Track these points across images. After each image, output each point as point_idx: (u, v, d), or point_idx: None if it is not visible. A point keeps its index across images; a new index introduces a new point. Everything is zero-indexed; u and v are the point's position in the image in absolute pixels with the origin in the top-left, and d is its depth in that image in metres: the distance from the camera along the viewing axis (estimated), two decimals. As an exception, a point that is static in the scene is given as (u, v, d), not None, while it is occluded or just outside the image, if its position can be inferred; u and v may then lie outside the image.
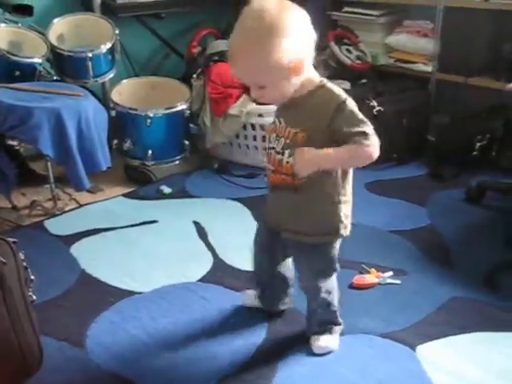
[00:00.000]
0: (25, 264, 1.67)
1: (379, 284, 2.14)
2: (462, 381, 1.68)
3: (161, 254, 2.39)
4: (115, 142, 3.14)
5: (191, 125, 3.26)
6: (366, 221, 2.61)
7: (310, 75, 1.57)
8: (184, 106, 3.15)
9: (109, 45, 3.08)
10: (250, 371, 1.72)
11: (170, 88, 3.33)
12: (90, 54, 3.01)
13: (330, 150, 1.53)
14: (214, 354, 1.79)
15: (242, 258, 2.29)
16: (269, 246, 1.80)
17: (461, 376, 1.69)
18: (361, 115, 1.55)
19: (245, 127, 3.17)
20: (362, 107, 3.02)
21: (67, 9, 3.26)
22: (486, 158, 3.08)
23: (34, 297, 1.69)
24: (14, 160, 2.79)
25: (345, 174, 1.63)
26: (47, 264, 2.28)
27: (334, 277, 1.77)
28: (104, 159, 2.73)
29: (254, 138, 3.18)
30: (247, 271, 2.21)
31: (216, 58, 3.25)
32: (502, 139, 3.06)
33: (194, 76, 3.29)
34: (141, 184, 3.08)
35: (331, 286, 1.76)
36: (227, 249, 2.41)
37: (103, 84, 3.37)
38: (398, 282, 2.15)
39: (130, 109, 3.09)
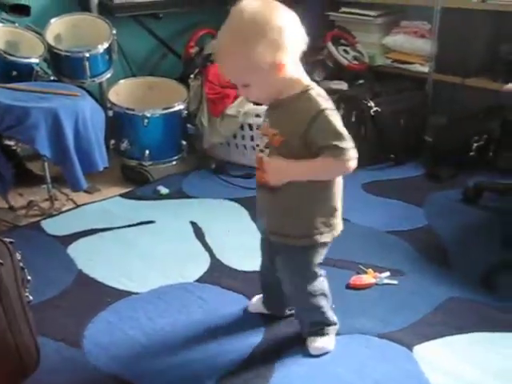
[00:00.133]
0: (21, 264, 1.67)
1: (376, 284, 2.14)
2: (459, 381, 1.68)
3: (158, 254, 2.39)
4: (112, 142, 3.14)
5: (188, 125, 3.26)
6: (363, 221, 2.62)
7: (299, 77, 1.55)
8: (181, 107, 3.15)
9: (106, 45, 3.08)
10: (247, 371, 1.72)
11: (168, 88, 3.33)
12: (87, 54, 3.01)
13: (301, 163, 1.52)
14: (212, 354, 1.79)
15: (240, 259, 2.30)
16: (267, 248, 1.80)
17: (458, 376, 1.69)
18: (339, 128, 1.52)
19: (242, 127, 3.17)
20: (359, 108, 3.02)
21: (64, 9, 3.25)
22: (483, 158, 3.08)
23: (31, 297, 1.69)
24: (11, 160, 2.78)
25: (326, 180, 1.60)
26: (44, 264, 2.28)
27: (320, 280, 1.74)
28: (101, 159, 2.73)
29: (252, 139, 3.18)
30: (244, 271, 2.21)
31: (213, 58, 3.25)
32: (499, 140, 3.06)
33: (192, 76, 3.28)
34: (138, 184, 3.07)
35: (315, 289, 1.73)
36: (224, 249, 2.41)
37: (100, 84, 3.37)
38: (395, 282, 2.15)
39: (128, 109, 3.08)
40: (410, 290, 2.11)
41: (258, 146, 1.65)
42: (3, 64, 2.82)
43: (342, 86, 3.55)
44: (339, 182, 1.65)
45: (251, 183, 3.01)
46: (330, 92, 3.87)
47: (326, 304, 1.77)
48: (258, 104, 2.86)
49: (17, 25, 3.04)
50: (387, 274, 2.18)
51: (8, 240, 1.66)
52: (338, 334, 1.85)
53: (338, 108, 3.57)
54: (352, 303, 2.03)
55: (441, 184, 3.01)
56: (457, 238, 2.49)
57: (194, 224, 2.64)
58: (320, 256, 1.70)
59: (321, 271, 1.73)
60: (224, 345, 1.83)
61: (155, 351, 1.81)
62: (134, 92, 3.32)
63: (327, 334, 1.80)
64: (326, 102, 1.53)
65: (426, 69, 3.51)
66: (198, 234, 2.56)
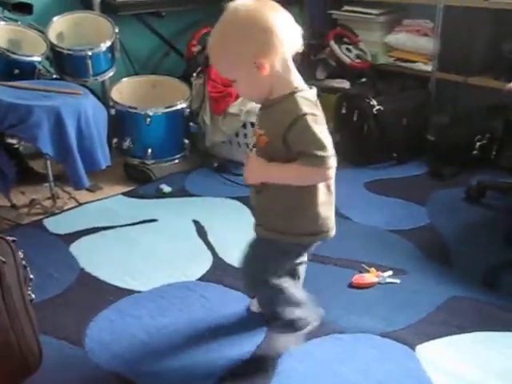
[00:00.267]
0: (24, 263, 1.67)
1: (379, 283, 2.14)
2: (461, 380, 1.68)
3: (160, 252, 2.39)
4: (115, 140, 3.14)
5: (191, 123, 3.25)
6: (366, 220, 2.62)
7: (289, 78, 1.52)
8: (184, 105, 3.15)
9: (108, 43, 3.08)
10: (250, 370, 1.72)
11: (170, 87, 3.33)
12: (90, 53, 3.00)
13: (279, 166, 1.52)
14: (214, 353, 1.78)
15: (242, 257, 2.30)
16: None
17: (460, 376, 1.69)
18: (319, 135, 1.47)
19: (244, 126, 3.16)
20: (361, 106, 3.02)
21: (67, 7, 3.25)
22: (485, 157, 3.07)
23: (33, 296, 1.69)
24: (14, 158, 2.78)
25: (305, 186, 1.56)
26: (46, 263, 2.28)
27: (288, 284, 1.70)
28: (103, 158, 2.73)
29: (254, 137, 3.17)
30: (247, 270, 2.21)
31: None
32: (501, 139, 3.06)
33: (194, 75, 3.28)
34: (140, 183, 3.07)
35: (280, 288, 1.68)
36: (227, 248, 2.41)
37: (103, 82, 3.36)
38: (397, 281, 2.15)
39: (130, 107, 3.08)
40: (412, 288, 2.11)
41: (249, 144, 1.64)
42: (6, 62, 2.81)
43: (345, 84, 3.55)
44: (322, 190, 1.58)
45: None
46: (333, 90, 3.87)
47: (289, 311, 1.71)
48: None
49: (19, 23, 3.04)
50: (390, 272, 2.18)
51: (10, 238, 1.67)
52: (340, 332, 1.86)
53: (340, 107, 3.59)
54: (354, 302, 2.03)
55: (443, 183, 3.01)
56: (459, 237, 2.48)
57: (196, 222, 2.64)
58: (288, 259, 1.68)
59: (285, 279, 1.69)
60: (226, 344, 1.83)
61: (157, 350, 1.81)
62: (137, 90, 3.32)
63: (290, 334, 1.75)
64: (309, 107, 1.49)
65: (428, 67, 3.50)
66: (201, 232, 2.56)
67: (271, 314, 1.76)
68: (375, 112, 3.12)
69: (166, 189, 2.98)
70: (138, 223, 2.64)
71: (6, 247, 1.61)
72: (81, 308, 2.02)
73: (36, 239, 2.48)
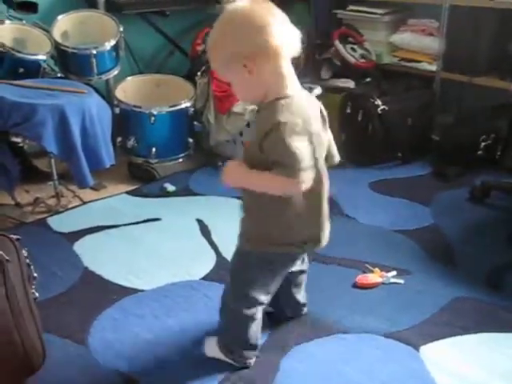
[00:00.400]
0: (28, 261, 1.67)
1: (383, 283, 2.14)
2: (464, 381, 1.67)
3: (164, 251, 2.39)
4: (119, 139, 3.14)
5: (195, 122, 3.25)
6: (370, 220, 2.62)
7: (282, 84, 1.47)
8: (188, 104, 3.15)
9: (113, 42, 3.08)
10: (252, 369, 1.72)
11: (175, 85, 3.33)
12: (95, 51, 3.01)
13: (254, 173, 1.49)
14: (217, 353, 1.79)
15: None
16: None
17: (464, 376, 1.69)
18: (293, 146, 1.41)
19: (248, 125, 3.16)
20: (366, 106, 3.01)
21: (71, 6, 3.25)
22: (490, 157, 3.07)
23: (37, 294, 1.69)
24: (18, 157, 2.79)
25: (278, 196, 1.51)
26: (50, 261, 2.28)
27: (254, 311, 1.67)
28: (108, 156, 2.73)
29: (258, 136, 3.17)
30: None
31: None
32: (506, 139, 3.05)
33: (199, 74, 3.28)
34: (144, 182, 3.08)
35: (234, 308, 1.67)
36: (230, 247, 2.39)
37: (107, 81, 3.37)
38: (401, 281, 2.15)
39: (134, 106, 3.08)
40: (416, 289, 2.11)
41: None
42: (10, 61, 2.82)
43: (349, 84, 3.54)
44: (299, 201, 1.53)
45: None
46: (337, 90, 3.86)
47: (239, 339, 1.71)
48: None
49: (24, 22, 3.04)
50: (394, 273, 2.18)
51: (15, 237, 1.67)
52: (344, 332, 1.86)
53: (345, 106, 3.58)
54: (358, 302, 2.03)
55: (448, 183, 3.00)
56: (463, 237, 2.48)
57: (200, 222, 2.64)
58: (258, 272, 1.64)
59: (260, 297, 1.65)
60: (229, 343, 1.83)
61: (160, 349, 1.81)
62: (141, 89, 3.32)
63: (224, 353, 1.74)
64: (289, 116, 1.43)
65: (433, 67, 3.49)
66: (204, 231, 2.56)
67: (223, 327, 1.76)
68: (380, 112, 3.12)
69: (170, 188, 2.98)
70: (141, 222, 2.64)
71: (10, 245, 1.62)
72: (84, 307, 2.02)
73: (40, 238, 2.48)
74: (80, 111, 2.58)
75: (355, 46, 3.66)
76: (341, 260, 2.28)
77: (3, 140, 2.64)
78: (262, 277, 1.65)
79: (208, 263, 2.30)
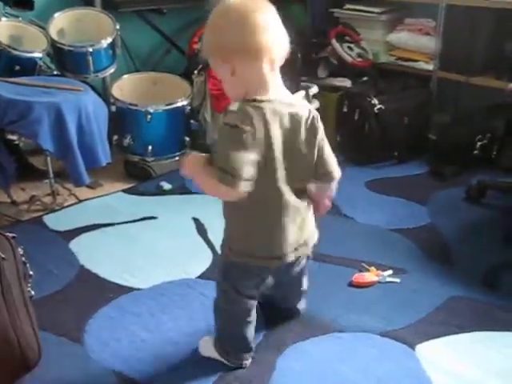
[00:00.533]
0: (24, 259, 1.67)
1: (379, 282, 2.14)
2: (460, 380, 1.67)
3: (160, 250, 2.39)
4: (115, 137, 3.13)
5: (192, 121, 3.25)
6: (366, 219, 2.62)
7: (260, 85, 1.46)
8: (185, 102, 3.14)
9: (109, 40, 3.07)
10: (248, 368, 1.72)
11: (171, 84, 3.32)
12: (91, 49, 3.00)
13: (203, 169, 1.47)
14: (213, 351, 1.78)
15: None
16: None
17: (459, 375, 1.69)
18: (231, 151, 1.39)
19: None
20: (362, 105, 3.01)
21: (68, 3, 3.25)
22: (486, 157, 3.07)
23: (33, 292, 1.69)
24: (14, 154, 2.78)
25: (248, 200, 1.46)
26: (46, 259, 2.27)
27: (247, 307, 1.67)
28: (104, 155, 2.73)
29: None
30: (247, 268, 2.20)
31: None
32: (502, 138, 3.06)
33: (195, 72, 3.27)
34: (141, 180, 3.07)
35: (221, 306, 1.70)
36: (227, 246, 2.40)
37: (104, 79, 3.36)
38: (397, 280, 2.15)
39: (131, 104, 3.08)
40: (412, 288, 2.11)
41: None
42: (6, 58, 2.81)
43: (346, 83, 3.54)
44: (255, 211, 1.52)
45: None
46: (334, 89, 3.86)
47: (233, 331, 1.71)
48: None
49: (20, 19, 3.04)
50: (390, 272, 2.18)
51: (10, 235, 1.66)
52: (340, 331, 1.86)
53: (341, 105, 3.58)
54: (354, 301, 2.03)
55: (444, 182, 3.00)
56: (460, 237, 2.48)
57: (196, 220, 2.64)
58: (236, 276, 1.62)
59: (243, 299, 1.65)
60: (226, 341, 1.83)
61: (156, 347, 1.81)
62: (138, 87, 3.31)
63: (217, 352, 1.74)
64: (237, 119, 1.41)
65: (430, 66, 3.49)
66: (201, 230, 2.56)
67: (218, 328, 1.75)
68: (376, 111, 3.12)
69: (167, 186, 2.97)
70: (138, 220, 2.64)
71: (6, 243, 1.61)
72: (80, 305, 2.01)
73: (36, 236, 2.48)
74: (76, 109, 2.57)
75: (352, 45, 3.66)
76: (337, 259, 2.28)
77: (-1, 138, 2.64)
78: (242, 280, 1.63)
79: (204, 262, 2.29)
